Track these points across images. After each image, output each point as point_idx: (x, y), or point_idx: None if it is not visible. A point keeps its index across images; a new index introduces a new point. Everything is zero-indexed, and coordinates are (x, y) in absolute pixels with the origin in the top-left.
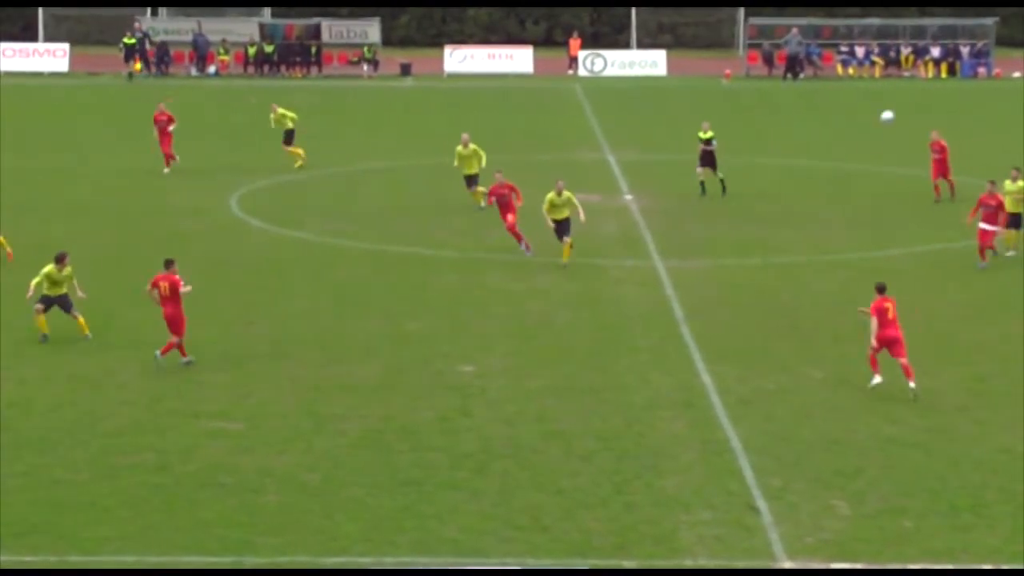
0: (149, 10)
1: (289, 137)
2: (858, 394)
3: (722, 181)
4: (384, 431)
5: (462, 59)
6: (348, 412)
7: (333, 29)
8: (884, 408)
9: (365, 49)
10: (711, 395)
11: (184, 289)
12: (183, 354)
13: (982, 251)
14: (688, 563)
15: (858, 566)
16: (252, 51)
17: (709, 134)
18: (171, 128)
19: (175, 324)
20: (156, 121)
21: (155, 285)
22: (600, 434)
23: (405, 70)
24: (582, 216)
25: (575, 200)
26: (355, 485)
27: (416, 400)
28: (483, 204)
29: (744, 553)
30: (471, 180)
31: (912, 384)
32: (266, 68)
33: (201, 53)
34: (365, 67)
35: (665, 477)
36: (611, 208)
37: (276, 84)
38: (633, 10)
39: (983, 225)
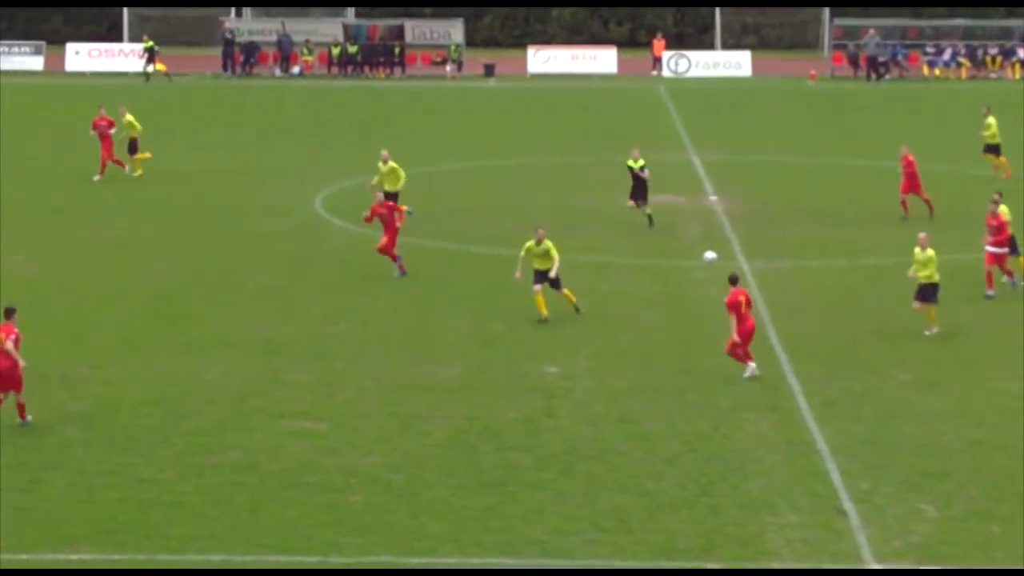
0: (234, 10)
1: (133, 146)
2: (945, 396)
3: (649, 216)
4: (469, 432)
5: (545, 60)
6: (432, 412)
7: (416, 30)
8: (971, 411)
9: (450, 50)
10: (797, 397)
11: (7, 344)
12: (22, 416)
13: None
14: (775, 565)
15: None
16: (336, 52)
17: (640, 162)
18: (111, 132)
19: (10, 380)
20: (95, 126)
21: None
22: (685, 436)
23: (488, 71)
24: (555, 270)
25: (554, 252)
26: (440, 485)
27: (500, 401)
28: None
29: (831, 556)
30: (391, 198)
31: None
32: (350, 69)
33: (285, 54)
34: (448, 68)
35: (751, 479)
36: (695, 209)
37: (360, 84)
38: (717, 11)
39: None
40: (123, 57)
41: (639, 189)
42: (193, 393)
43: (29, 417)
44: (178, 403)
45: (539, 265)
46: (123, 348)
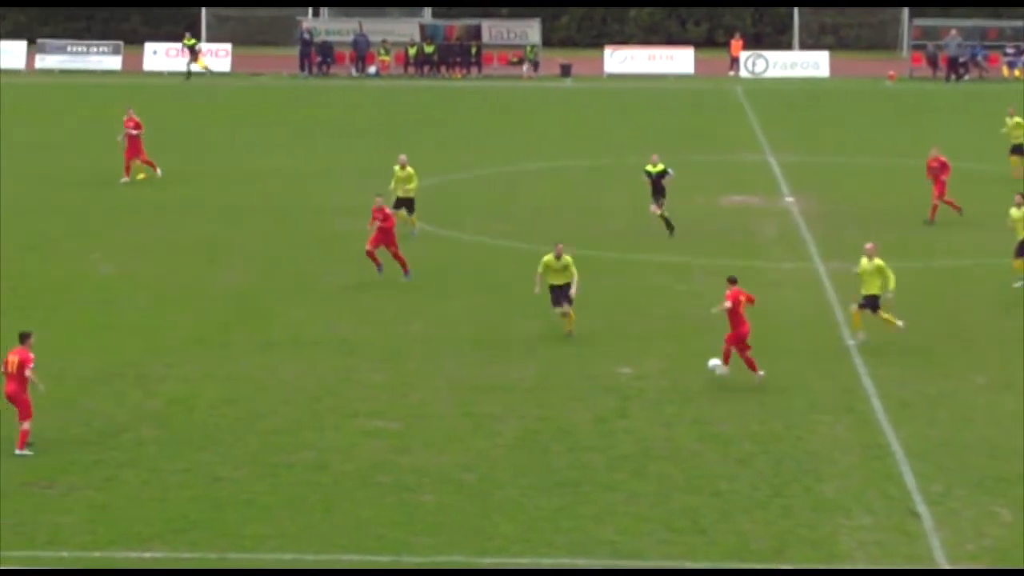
0: (311, 10)
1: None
2: (1021, 399)
3: (667, 219)
4: (541, 432)
5: (622, 60)
6: (505, 412)
7: (493, 30)
8: None
9: (525, 50)
10: (872, 399)
11: (29, 372)
12: (20, 445)
13: None
14: (848, 567)
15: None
16: (412, 52)
17: (660, 167)
18: (137, 134)
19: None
20: (125, 127)
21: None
22: (758, 437)
23: (565, 71)
24: (574, 288)
25: (574, 267)
26: (512, 485)
27: (573, 401)
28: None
29: (904, 559)
30: (405, 202)
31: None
32: (426, 69)
33: (361, 53)
34: (525, 68)
35: (824, 481)
36: (772, 210)
37: (436, 84)
38: (796, 11)
39: None
40: (201, 57)
41: (658, 192)
42: (268, 392)
43: (27, 450)
44: (253, 402)
45: (555, 280)
46: (198, 347)
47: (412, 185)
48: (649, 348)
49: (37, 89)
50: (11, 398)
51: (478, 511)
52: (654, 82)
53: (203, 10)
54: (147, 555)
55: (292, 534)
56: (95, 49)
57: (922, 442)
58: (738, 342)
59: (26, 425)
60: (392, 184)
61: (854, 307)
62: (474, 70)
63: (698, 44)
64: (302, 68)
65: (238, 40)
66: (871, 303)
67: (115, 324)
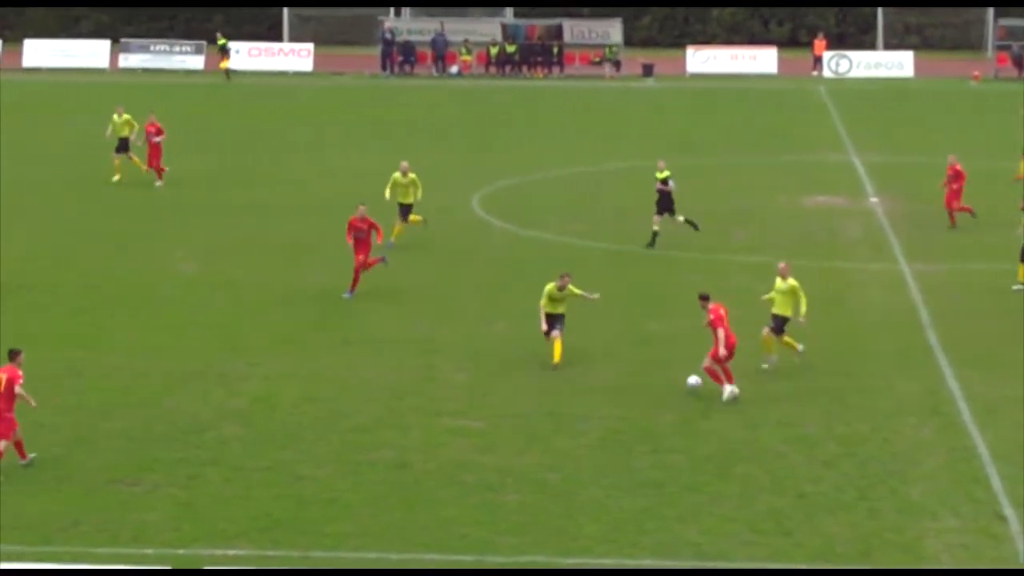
0: (393, 10)
1: (125, 145)
2: None
3: (690, 222)
4: (624, 432)
5: (705, 60)
6: (588, 413)
7: (575, 29)
8: None
9: (607, 49)
10: (958, 401)
11: (19, 388)
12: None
13: None
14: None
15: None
16: (494, 51)
17: (665, 173)
18: (158, 140)
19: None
20: (146, 133)
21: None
22: (843, 439)
23: (647, 70)
24: (591, 295)
25: (576, 291)
26: (595, 486)
27: (657, 402)
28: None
29: (991, 561)
30: (405, 210)
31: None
32: (508, 68)
33: (440, 53)
34: (607, 67)
35: (910, 484)
36: (856, 211)
37: (517, 84)
38: (879, 11)
39: None
40: (283, 56)
41: (665, 201)
42: (349, 391)
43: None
44: (334, 401)
45: (552, 310)
46: (280, 345)
47: (419, 192)
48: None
49: (120, 88)
50: None
51: (562, 511)
52: (737, 82)
53: (285, 10)
54: (231, 552)
55: (375, 532)
56: (178, 48)
57: (1008, 445)
58: (731, 353)
59: (2, 444)
60: (388, 191)
61: (765, 330)
62: (556, 70)
63: (781, 44)
64: (383, 68)
65: (320, 40)
66: (780, 325)
67: (198, 323)
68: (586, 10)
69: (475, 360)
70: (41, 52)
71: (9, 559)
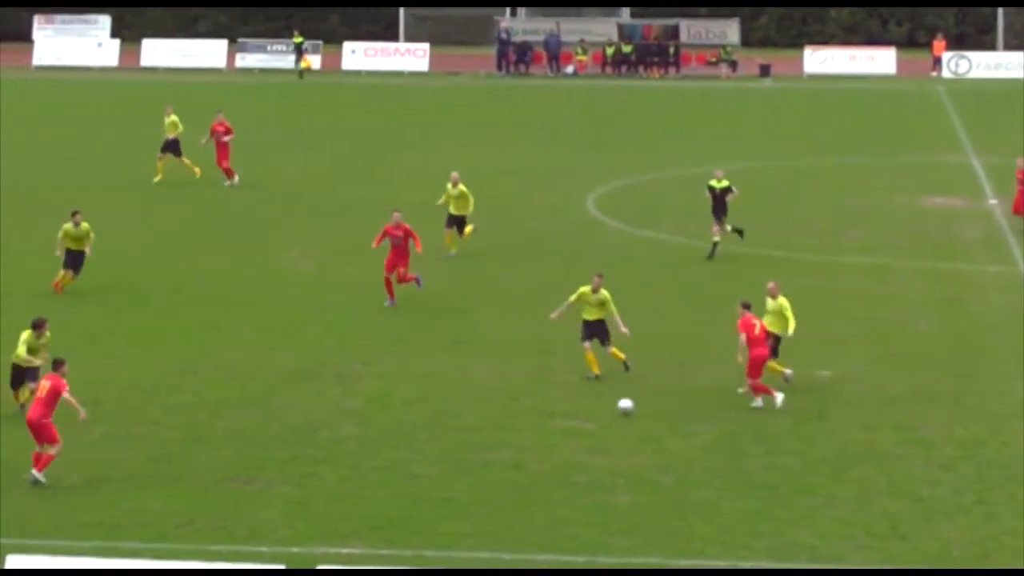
0: (508, 10)
1: (173, 146)
2: None
3: (738, 231)
4: (738, 434)
5: (823, 60)
6: (702, 414)
7: (692, 29)
8: None
9: (723, 50)
10: None
11: (67, 395)
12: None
13: None
14: None
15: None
16: (610, 51)
17: (725, 183)
18: (227, 139)
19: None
20: (213, 131)
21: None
22: (961, 442)
23: (764, 71)
24: (622, 327)
25: (612, 305)
26: (708, 487)
27: (770, 403)
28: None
29: None
30: (456, 220)
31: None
32: (624, 68)
33: (553, 53)
34: (723, 68)
35: None
36: (974, 212)
37: (633, 84)
38: (1000, 10)
39: None
40: (398, 56)
41: (719, 209)
42: (463, 391)
43: (42, 476)
44: (449, 400)
45: (589, 315)
46: (395, 344)
47: (470, 205)
48: (849, 351)
49: (236, 88)
50: (33, 423)
51: (674, 513)
52: (855, 82)
53: (401, 10)
54: (344, 551)
55: (488, 532)
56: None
57: None
58: (758, 365)
59: (52, 450)
60: (442, 199)
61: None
62: (672, 70)
63: (900, 44)
64: (499, 68)
65: (435, 40)
66: (773, 345)
67: (312, 322)
68: (703, 10)
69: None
70: (159, 52)
71: (126, 556)
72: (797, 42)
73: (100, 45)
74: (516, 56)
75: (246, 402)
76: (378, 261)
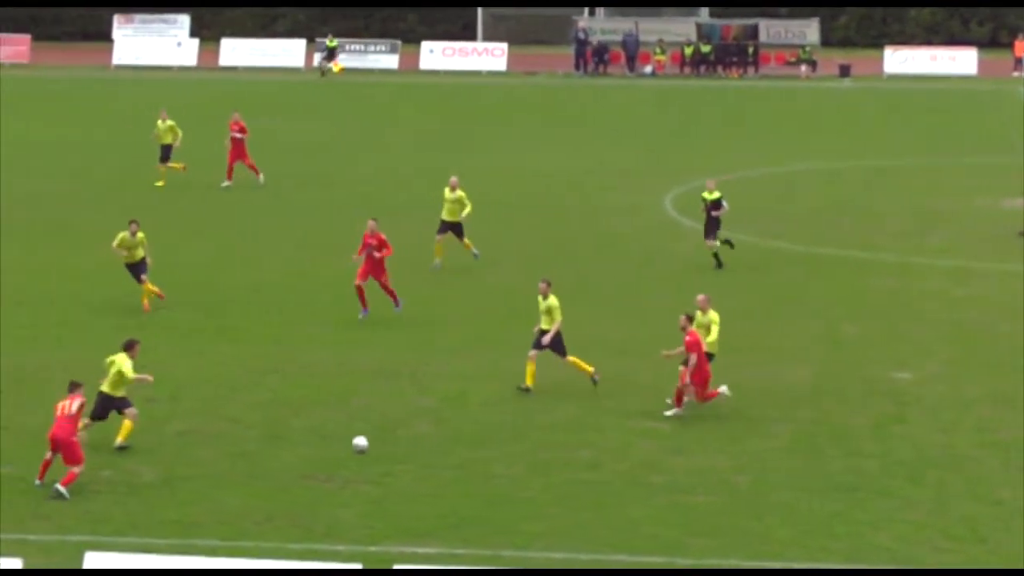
0: (587, 10)
1: (167, 153)
2: None
3: (728, 242)
4: (816, 435)
5: (903, 60)
6: (780, 415)
7: (771, 29)
8: None
9: (803, 50)
10: None
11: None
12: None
13: None
14: None
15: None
16: (689, 51)
17: (716, 194)
18: (240, 137)
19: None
20: (231, 131)
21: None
22: None
23: (844, 71)
24: (551, 333)
25: (557, 312)
26: (786, 489)
27: (849, 405)
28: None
29: None
30: (450, 227)
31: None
32: (702, 68)
33: (631, 53)
34: (803, 68)
35: None
36: None
37: (712, 84)
38: None
39: None
40: (476, 56)
41: (712, 223)
42: (541, 390)
43: (66, 490)
44: (526, 400)
45: (545, 324)
46: (472, 344)
47: (467, 210)
48: (928, 353)
49: (314, 87)
50: (60, 441)
51: (752, 514)
52: (935, 83)
53: (479, 10)
54: (421, 550)
55: (565, 532)
56: (372, 48)
57: None
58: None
59: (76, 469)
60: (445, 208)
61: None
62: (751, 70)
63: (981, 44)
64: (577, 67)
65: (514, 39)
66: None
67: (391, 321)
68: (783, 10)
69: (666, 362)
70: (238, 51)
71: (203, 553)
72: (877, 42)
73: (179, 45)
74: (594, 56)
75: (325, 400)
76: (453, 261)
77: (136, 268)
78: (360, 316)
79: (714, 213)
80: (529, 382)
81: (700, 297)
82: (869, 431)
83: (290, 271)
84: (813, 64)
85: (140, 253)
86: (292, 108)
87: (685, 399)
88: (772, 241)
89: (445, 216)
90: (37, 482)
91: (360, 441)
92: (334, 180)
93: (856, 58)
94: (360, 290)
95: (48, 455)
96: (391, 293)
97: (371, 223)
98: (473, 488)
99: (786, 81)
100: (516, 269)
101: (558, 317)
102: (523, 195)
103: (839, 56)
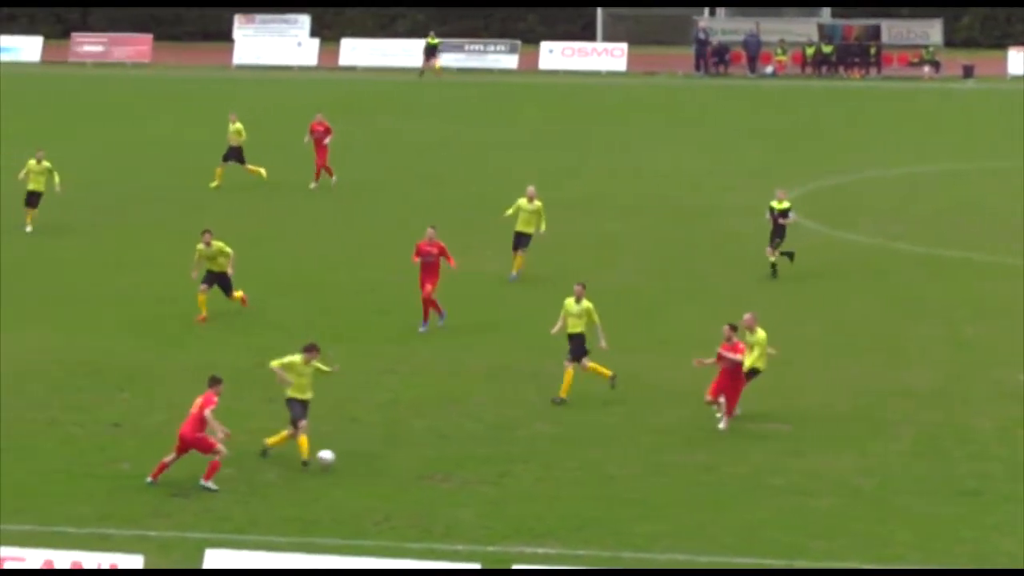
0: (707, 10)
1: (236, 154)
2: None
3: (775, 263)
4: (941, 438)
5: None
6: (903, 418)
7: (893, 30)
8: None
9: (925, 50)
10: None
11: (208, 414)
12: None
13: None
14: None
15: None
16: (810, 52)
17: (785, 204)
18: (326, 141)
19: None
20: (312, 131)
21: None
22: None
23: (967, 72)
24: (602, 341)
25: (595, 314)
26: (909, 492)
27: (974, 407)
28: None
29: None
30: (523, 239)
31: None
32: (824, 69)
33: (752, 53)
34: (926, 68)
35: None
36: None
37: (833, 85)
38: None
39: None
40: (596, 56)
41: (778, 232)
42: (659, 391)
43: (210, 483)
44: (645, 401)
45: (573, 328)
46: (589, 344)
47: (543, 225)
48: None
49: (433, 87)
50: (188, 440)
51: (874, 517)
52: None
53: (599, 10)
54: (540, 551)
55: (684, 534)
56: (492, 48)
57: None
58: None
59: (216, 457)
60: (511, 212)
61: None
62: (872, 71)
63: None
64: (697, 68)
65: (633, 39)
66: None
67: (507, 321)
68: (905, 10)
69: (787, 363)
70: (358, 51)
71: (323, 552)
72: (1001, 43)
73: (299, 44)
74: (714, 56)
75: (443, 400)
76: (569, 260)
77: (222, 279)
78: (420, 330)
79: (781, 221)
80: (563, 394)
81: (747, 316)
82: (994, 434)
83: (403, 271)
84: (936, 65)
85: (223, 263)
86: (410, 108)
87: (727, 409)
88: (893, 243)
89: (520, 227)
90: (149, 480)
91: (326, 455)
92: (450, 180)
93: (979, 59)
94: (426, 303)
95: (170, 456)
96: (434, 304)
97: (430, 231)
98: (592, 489)
99: (908, 82)
100: (634, 270)
101: (596, 318)
102: (642, 195)
103: (962, 57)
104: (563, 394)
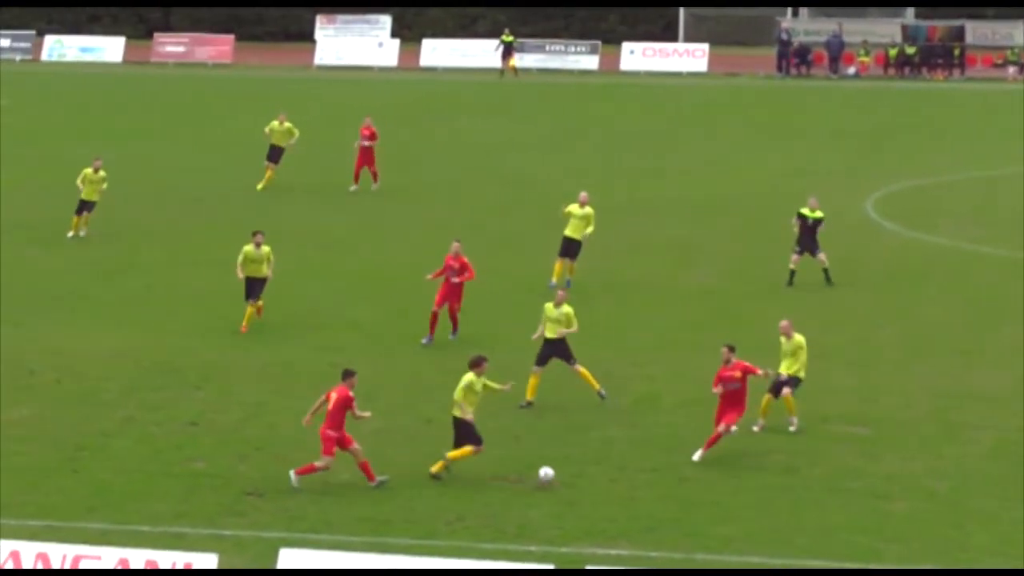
0: (790, 10)
1: (279, 155)
2: None
3: (826, 272)
4: (1019, 442)
5: None
6: (981, 421)
7: (977, 31)
8: None
9: (1010, 51)
10: None
11: (356, 411)
12: (305, 471)
13: None
14: None
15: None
16: (893, 52)
17: (818, 213)
18: (369, 144)
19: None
20: (361, 136)
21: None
22: None
23: None
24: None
25: (575, 321)
26: (987, 496)
27: None
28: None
29: None
30: (573, 247)
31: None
32: (907, 70)
33: (834, 54)
34: (1010, 69)
35: None
36: None
37: (916, 86)
38: None
39: None
40: (677, 57)
41: (807, 239)
42: None
43: (295, 478)
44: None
45: (550, 333)
46: (665, 346)
47: (590, 228)
48: None
49: (511, 88)
50: (328, 436)
51: (951, 521)
52: None
53: (680, 10)
54: (613, 552)
55: (759, 537)
56: (572, 48)
57: None
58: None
59: (318, 463)
60: (564, 213)
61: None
62: (956, 72)
63: None
64: (779, 69)
65: (715, 40)
66: (791, 383)
67: (584, 322)
68: (990, 11)
69: (864, 365)
70: (438, 52)
71: (395, 552)
72: None
73: (380, 45)
74: (797, 57)
75: (516, 401)
76: (646, 261)
77: (256, 286)
78: (423, 342)
79: (818, 229)
80: (529, 395)
81: (783, 323)
82: None
83: (480, 270)
84: (1021, 66)
85: (264, 269)
86: (490, 108)
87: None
88: (974, 245)
89: (569, 232)
90: (294, 481)
91: (546, 472)
92: (530, 179)
93: None
94: (435, 317)
95: (321, 462)
96: (454, 320)
97: (455, 245)
98: (665, 491)
99: (993, 83)
100: (714, 270)
101: (575, 325)
102: (723, 196)
103: None
104: (529, 396)
